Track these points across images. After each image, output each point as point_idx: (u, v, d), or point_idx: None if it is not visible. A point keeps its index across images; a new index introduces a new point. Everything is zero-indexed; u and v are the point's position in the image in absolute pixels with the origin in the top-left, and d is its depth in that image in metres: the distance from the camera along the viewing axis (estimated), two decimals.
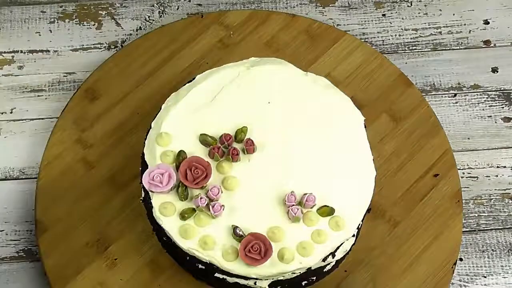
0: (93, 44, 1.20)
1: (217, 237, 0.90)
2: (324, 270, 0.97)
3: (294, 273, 0.91)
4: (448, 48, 1.20)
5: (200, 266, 0.93)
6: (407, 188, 1.06)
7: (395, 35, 1.21)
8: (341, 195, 0.92)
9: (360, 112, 0.99)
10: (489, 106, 1.16)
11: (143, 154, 0.96)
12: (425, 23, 1.23)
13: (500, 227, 1.08)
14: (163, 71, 1.14)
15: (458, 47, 1.21)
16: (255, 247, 0.88)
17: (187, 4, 1.24)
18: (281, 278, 0.91)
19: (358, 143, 0.96)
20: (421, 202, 1.06)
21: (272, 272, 0.89)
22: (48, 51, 1.19)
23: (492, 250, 1.06)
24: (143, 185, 0.93)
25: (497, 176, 1.11)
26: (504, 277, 1.04)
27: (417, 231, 1.04)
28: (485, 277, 1.04)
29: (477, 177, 1.11)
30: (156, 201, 0.92)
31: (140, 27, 1.21)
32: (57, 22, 1.21)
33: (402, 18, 1.23)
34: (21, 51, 1.19)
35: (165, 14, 1.23)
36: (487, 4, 1.24)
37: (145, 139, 0.97)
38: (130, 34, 1.21)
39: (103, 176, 1.06)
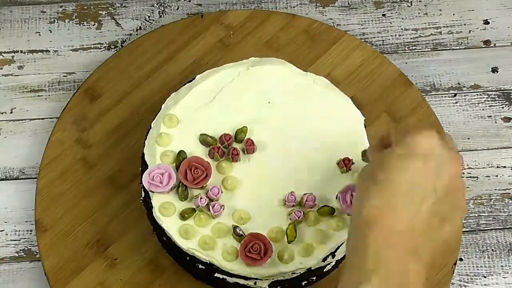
0: (93, 44, 1.20)
1: (217, 237, 0.90)
2: (324, 270, 0.97)
3: (294, 273, 0.91)
4: (448, 48, 1.20)
5: (200, 266, 0.93)
6: None
7: (395, 35, 1.21)
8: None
9: (360, 112, 0.99)
10: (489, 106, 1.16)
11: (143, 154, 0.96)
12: (425, 23, 1.23)
13: (500, 227, 1.08)
14: (163, 71, 1.14)
15: (458, 47, 1.21)
16: (255, 247, 0.88)
17: (187, 4, 1.24)
18: (281, 278, 0.91)
19: (358, 143, 0.96)
20: None
21: (272, 272, 0.89)
22: (48, 51, 1.19)
23: (492, 250, 1.06)
24: (143, 185, 0.93)
25: (497, 176, 1.11)
26: (504, 277, 1.04)
27: None
28: (485, 277, 1.04)
29: (477, 177, 1.11)
30: (156, 201, 0.92)
31: (140, 27, 1.21)
32: (57, 22, 1.21)
33: (402, 18, 1.23)
34: (21, 51, 1.19)
35: (165, 14, 1.23)
36: (487, 4, 1.24)
37: (145, 139, 0.97)
38: (130, 34, 1.21)
39: (103, 176, 1.06)
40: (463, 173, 1.10)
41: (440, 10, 1.24)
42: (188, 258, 0.92)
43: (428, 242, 0.69)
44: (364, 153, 0.92)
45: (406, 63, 1.19)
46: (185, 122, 0.96)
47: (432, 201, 0.69)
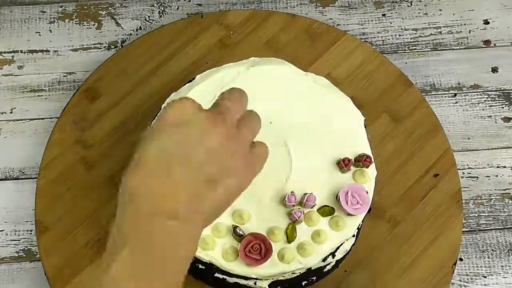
0: (93, 44, 1.20)
1: (217, 237, 0.90)
2: (324, 270, 0.97)
3: (294, 273, 0.91)
4: (448, 48, 1.20)
5: (200, 266, 0.93)
6: (407, 188, 1.06)
7: (395, 35, 1.21)
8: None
9: (360, 112, 0.99)
10: (489, 106, 1.16)
11: None
12: (425, 23, 1.23)
13: (500, 227, 1.08)
14: (163, 71, 1.14)
15: (458, 47, 1.21)
16: (255, 247, 0.88)
17: (187, 4, 1.24)
18: (281, 278, 0.91)
19: (358, 143, 0.96)
20: (421, 202, 1.06)
21: (272, 272, 0.89)
22: (48, 51, 1.19)
23: (492, 250, 1.06)
24: None
25: (497, 176, 1.11)
26: (504, 277, 1.04)
27: (417, 231, 1.04)
28: (485, 277, 1.04)
29: (477, 177, 1.11)
30: None
31: (140, 27, 1.21)
32: (57, 22, 1.21)
33: (402, 18, 1.23)
34: (21, 51, 1.19)
35: (165, 14, 1.23)
36: (487, 4, 1.24)
37: None
38: (130, 34, 1.21)
39: (103, 176, 1.06)
40: (463, 173, 1.10)
41: (440, 10, 1.24)
42: None
43: (197, 205, 0.66)
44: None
45: (406, 63, 1.19)
46: None
47: (192, 167, 0.65)
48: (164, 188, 0.65)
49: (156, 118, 0.68)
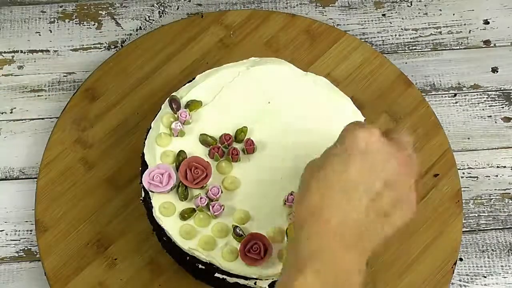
0: (93, 44, 1.20)
1: (217, 237, 0.90)
2: None
3: None
4: (448, 48, 1.20)
5: (200, 266, 0.93)
6: None
7: (395, 35, 1.21)
8: None
9: (360, 112, 0.99)
10: (489, 106, 1.16)
11: (143, 154, 0.96)
12: (425, 23, 1.23)
13: (500, 227, 1.08)
14: (163, 71, 1.14)
15: (458, 47, 1.21)
16: (255, 247, 0.88)
17: (187, 4, 1.24)
18: None
19: None
20: (421, 202, 1.06)
21: (272, 272, 0.89)
22: (48, 51, 1.19)
23: (492, 250, 1.06)
24: (143, 185, 0.93)
25: (497, 176, 1.11)
26: (504, 277, 1.04)
27: (417, 231, 1.04)
28: (485, 277, 1.04)
29: (477, 177, 1.11)
30: (156, 201, 0.92)
31: (140, 27, 1.21)
32: (57, 22, 1.21)
33: (402, 18, 1.23)
34: (21, 51, 1.19)
35: (165, 14, 1.23)
36: (487, 4, 1.24)
37: (145, 139, 0.97)
38: (130, 34, 1.21)
39: (103, 176, 1.06)
40: (463, 173, 1.10)
41: (440, 10, 1.24)
42: (188, 258, 0.92)
43: (367, 236, 0.71)
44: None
45: (406, 63, 1.19)
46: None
47: (370, 197, 0.71)
48: (340, 213, 0.70)
49: (340, 141, 0.74)
